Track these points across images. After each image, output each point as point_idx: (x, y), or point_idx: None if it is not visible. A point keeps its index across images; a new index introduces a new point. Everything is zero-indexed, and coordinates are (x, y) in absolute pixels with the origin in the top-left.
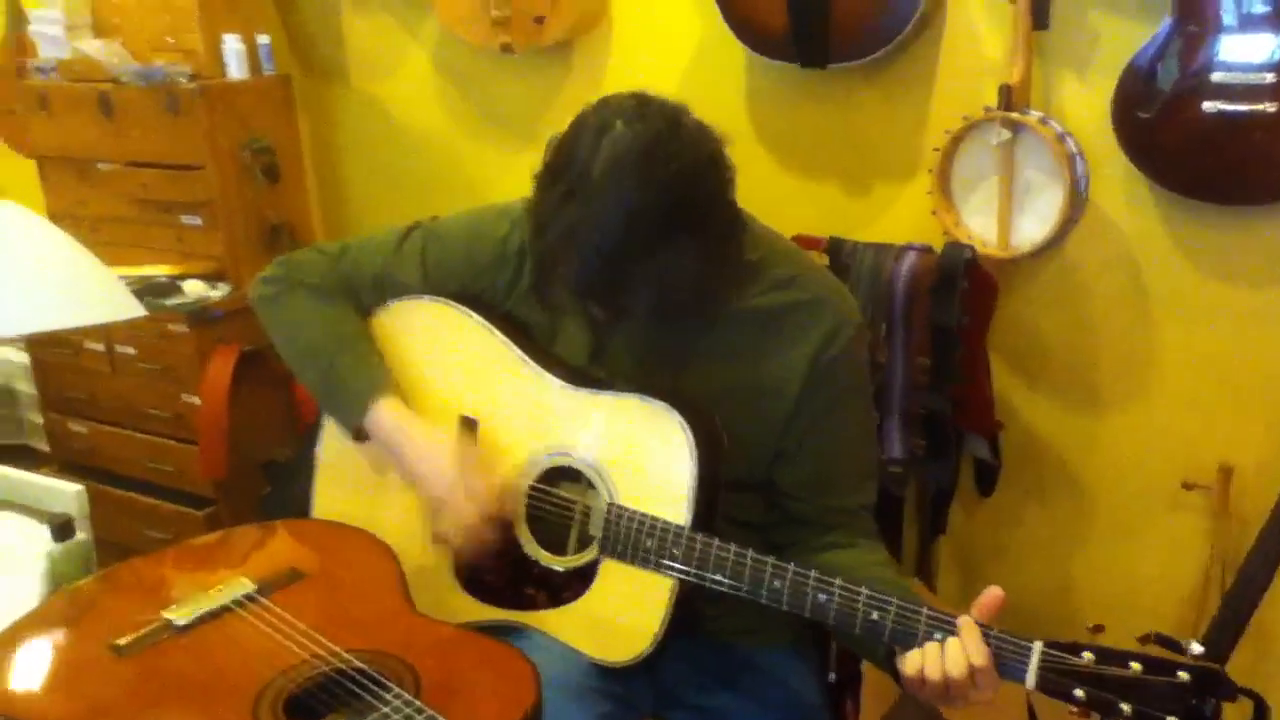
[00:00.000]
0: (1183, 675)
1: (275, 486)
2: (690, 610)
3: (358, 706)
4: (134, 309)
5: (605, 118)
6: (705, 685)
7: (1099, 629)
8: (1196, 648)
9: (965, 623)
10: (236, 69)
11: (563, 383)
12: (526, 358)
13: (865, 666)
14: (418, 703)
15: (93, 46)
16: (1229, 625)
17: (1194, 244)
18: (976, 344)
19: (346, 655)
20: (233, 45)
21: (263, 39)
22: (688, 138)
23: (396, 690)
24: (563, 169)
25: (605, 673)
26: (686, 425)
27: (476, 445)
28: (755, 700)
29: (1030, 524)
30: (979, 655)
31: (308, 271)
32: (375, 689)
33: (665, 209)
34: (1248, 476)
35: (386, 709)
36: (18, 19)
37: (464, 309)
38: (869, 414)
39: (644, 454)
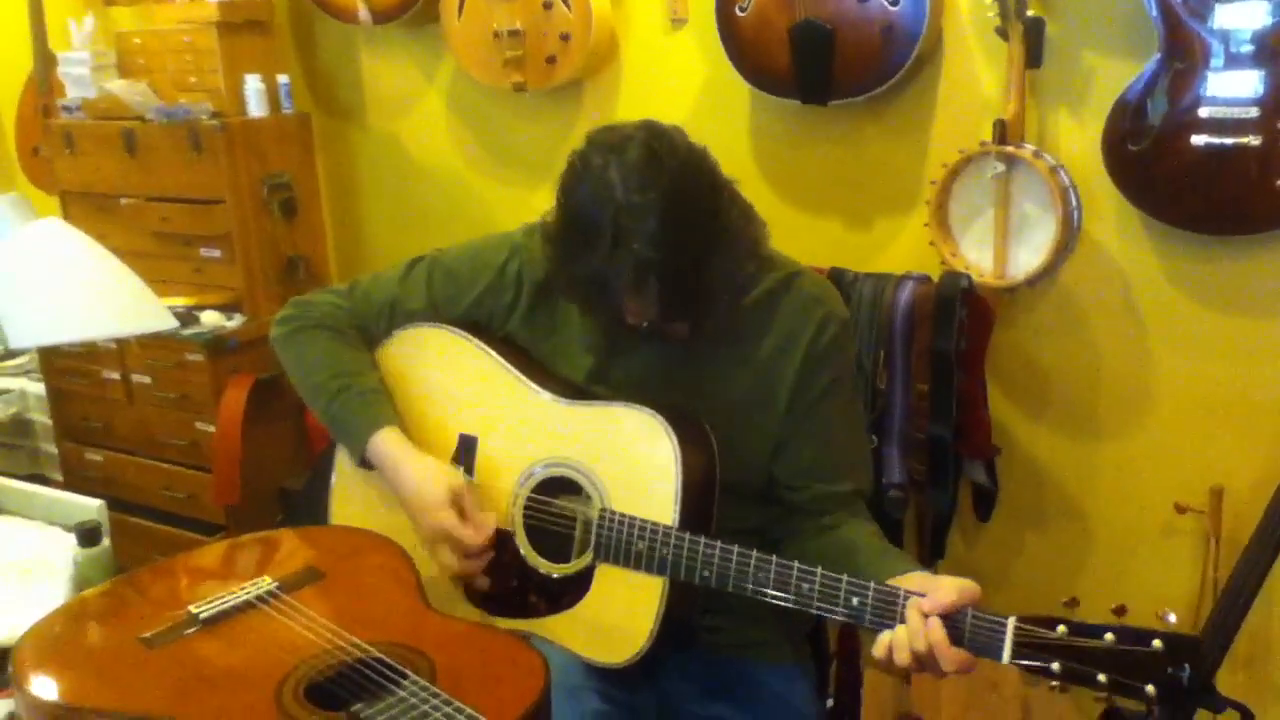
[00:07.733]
0: (1157, 644)
1: (290, 514)
2: (686, 615)
3: (376, 692)
4: (169, 321)
5: (594, 163)
6: (706, 698)
7: (1073, 603)
8: (1172, 617)
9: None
10: (257, 108)
11: (554, 396)
12: (522, 376)
13: (865, 690)
14: (432, 688)
15: (118, 86)
16: (1217, 635)
17: (1184, 273)
18: (974, 370)
19: (366, 646)
20: (254, 85)
21: (283, 79)
22: (666, 136)
23: (413, 678)
24: (588, 224)
25: (605, 676)
26: (671, 429)
27: (472, 482)
28: (754, 715)
29: (1027, 548)
30: (936, 632)
31: (318, 311)
32: (393, 676)
33: (693, 198)
34: (1239, 499)
35: (404, 693)
36: (46, 61)
37: (464, 333)
38: (858, 404)
39: (633, 459)
